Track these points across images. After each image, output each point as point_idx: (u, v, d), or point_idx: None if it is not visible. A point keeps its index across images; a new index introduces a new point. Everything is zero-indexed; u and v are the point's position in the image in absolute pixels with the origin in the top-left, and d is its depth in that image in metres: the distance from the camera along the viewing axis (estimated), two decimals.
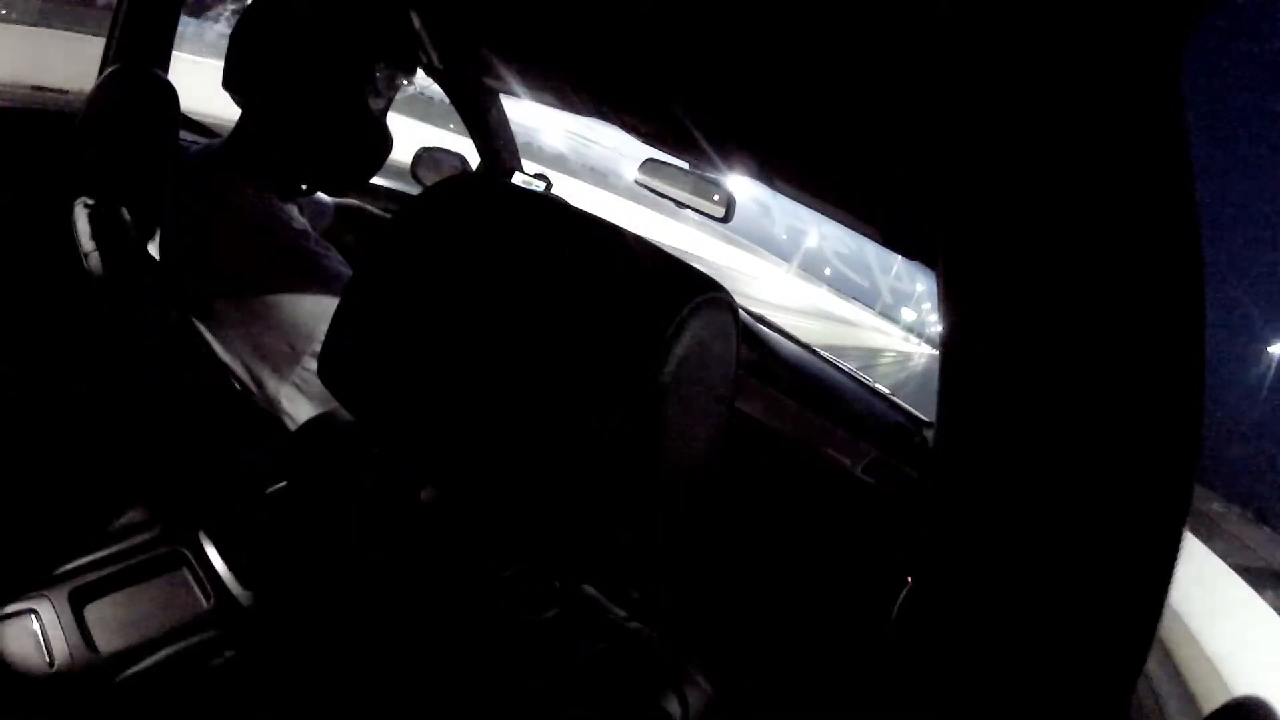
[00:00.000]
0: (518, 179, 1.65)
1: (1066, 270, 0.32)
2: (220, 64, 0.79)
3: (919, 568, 0.38)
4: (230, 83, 0.78)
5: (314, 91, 0.77)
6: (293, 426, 0.72)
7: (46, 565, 0.56)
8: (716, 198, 1.23)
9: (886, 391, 1.35)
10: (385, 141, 0.85)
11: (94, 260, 0.79)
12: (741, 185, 1.24)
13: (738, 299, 0.38)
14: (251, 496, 0.61)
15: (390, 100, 0.85)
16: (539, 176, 1.68)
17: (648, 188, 1.29)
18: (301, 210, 0.87)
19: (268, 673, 0.41)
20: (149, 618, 0.48)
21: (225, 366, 0.75)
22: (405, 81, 0.86)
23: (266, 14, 0.76)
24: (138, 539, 0.58)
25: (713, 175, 1.22)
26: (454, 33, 1.12)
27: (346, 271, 0.77)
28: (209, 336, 0.75)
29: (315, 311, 0.74)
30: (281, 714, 0.39)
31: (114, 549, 0.56)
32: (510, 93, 1.40)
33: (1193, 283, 0.29)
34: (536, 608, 0.40)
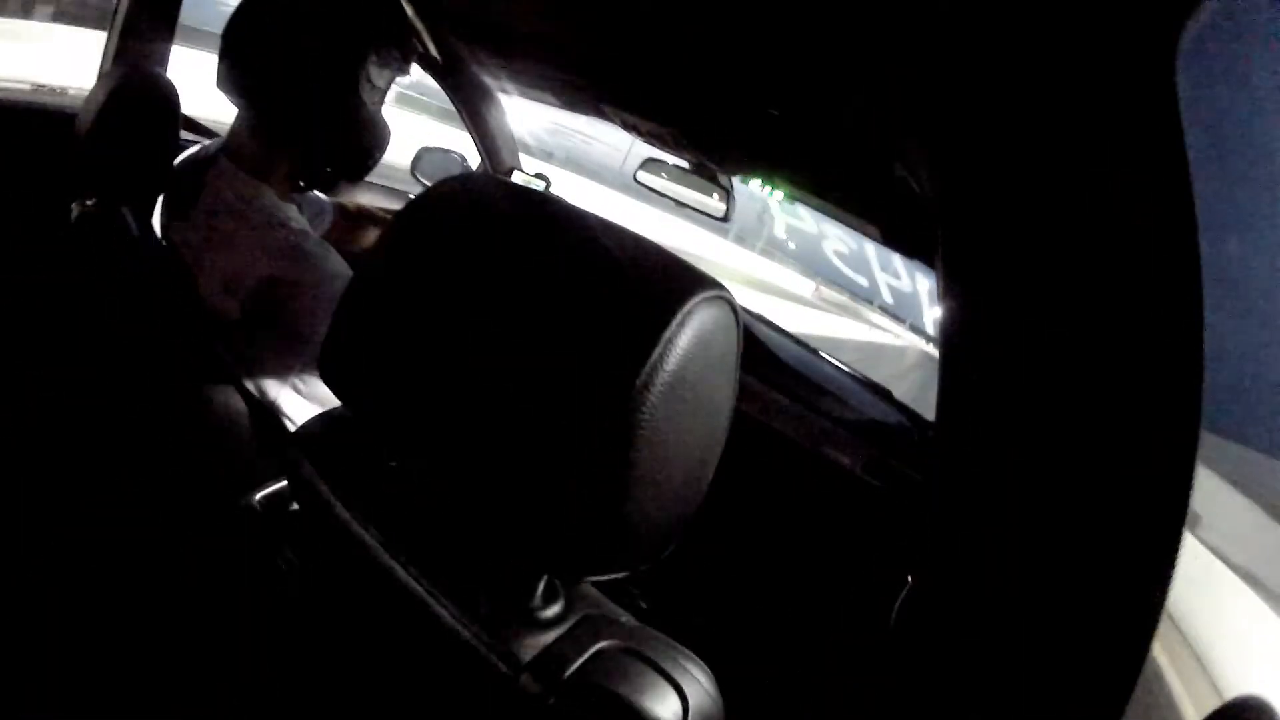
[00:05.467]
0: (517, 178, 1.65)
1: (1066, 269, 0.32)
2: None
3: (919, 567, 0.38)
4: (224, 82, 0.78)
5: (307, 87, 0.77)
6: (293, 426, 0.72)
7: (48, 561, 0.56)
8: (716, 197, 1.23)
9: (888, 391, 1.35)
10: (382, 135, 0.85)
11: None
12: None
13: None
14: (253, 495, 0.61)
15: (385, 93, 0.85)
16: (538, 175, 1.68)
17: (648, 187, 1.30)
18: (301, 210, 0.87)
19: (265, 671, 0.41)
20: (146, 612, 0.48)
21: (225, 366, 0.75)
22: (400, 74, 0.86)
23: (256, 11, 0.76)
24: (137, 536, 0.58)
25: (713, 174, 1.22)
26: (451, 28, 1.12)
27: (346, 272, 0.77)
28: (209, 336, 0.75)
29: (315, 312, 0.74)
30: (280, 713, 0.39)
31: (111, 546, 0.56)
32: (510, 91, 1.41)
33: (1191, 281, 0.29)
34: (535, 607, 0.40)
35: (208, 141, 0.87)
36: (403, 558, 0.41)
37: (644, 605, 1.06)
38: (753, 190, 1.20)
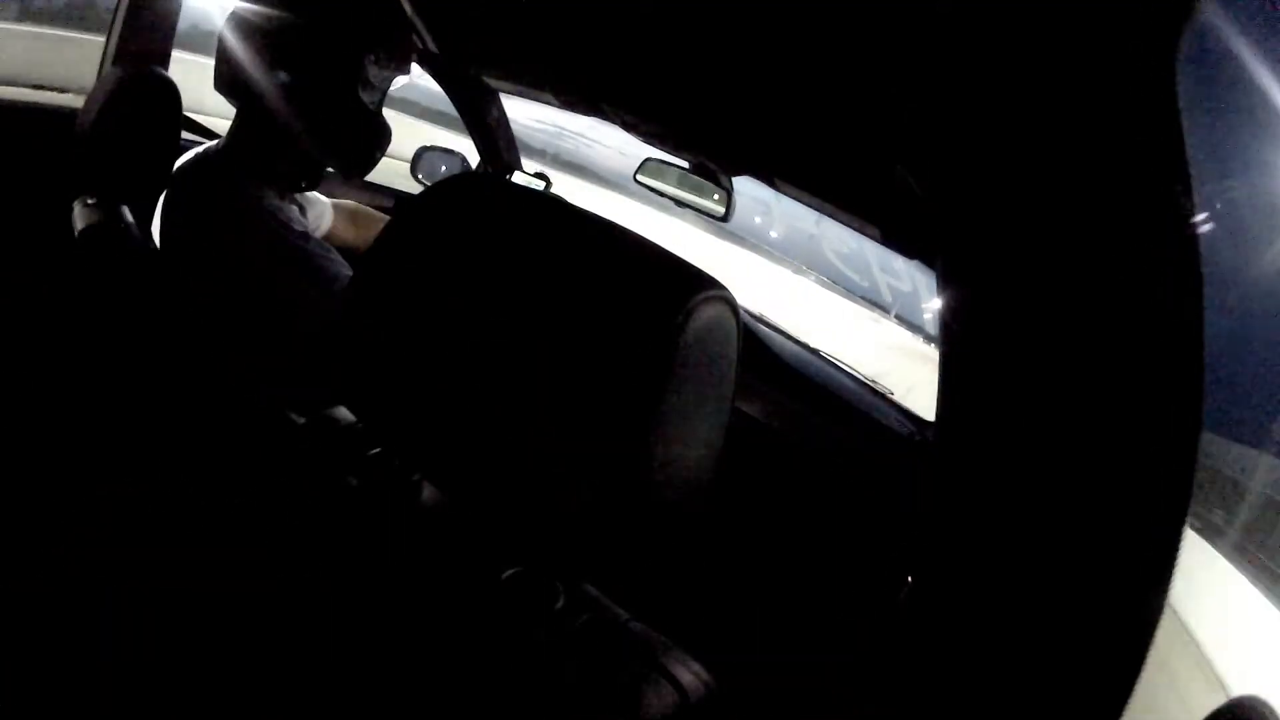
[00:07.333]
0: (518, 178, 1.65)
1: (1066, 268, 0.32)
2: None
3: (919, 567, 0.38)
4: (222, 83, 0.78)
5: (306, 88, 0.77)
6: (293, 427, 0.72)
7: (46, 564, 0.56)
8: (716, 197, 1.23)
9: (887, 391, 1.35)
10: (382, 134, 0.85)
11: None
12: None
13: None
14: (252, 495, 0.61)
15: (384, 93, 0.85)
16: (539, 175, 1.68)
17: (648, 187, 1.29)
18: (301, 211, 0.87)
19: (265, 673, 0.41)
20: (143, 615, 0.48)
21: (225, 367, 0.75)
22: (399, 72, 0.86)
23: (253, 13, 0.76)
24: (134, 536, 0.58)
25: (713, 174, 1.22)
26: (450, 27, 1.11)
27: (347, 272, 0.77)
28: (209, 337, 0.75)
29: (315, 312, 0.74)
30: (280, 715, 0.39)
31: (110, 548, 0.56)
32: (509, 91, 1.41)
33: (1191, 279, 0.29)
34: (536, 607, 0.40)
35: (209, 142, 0.87)
36: (404, 558, 0.41)
37: (652, 606, 1.06)
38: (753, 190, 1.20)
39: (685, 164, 1.23)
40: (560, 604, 0.41)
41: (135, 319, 0.77)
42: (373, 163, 0.87)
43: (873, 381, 1.37)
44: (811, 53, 0.60)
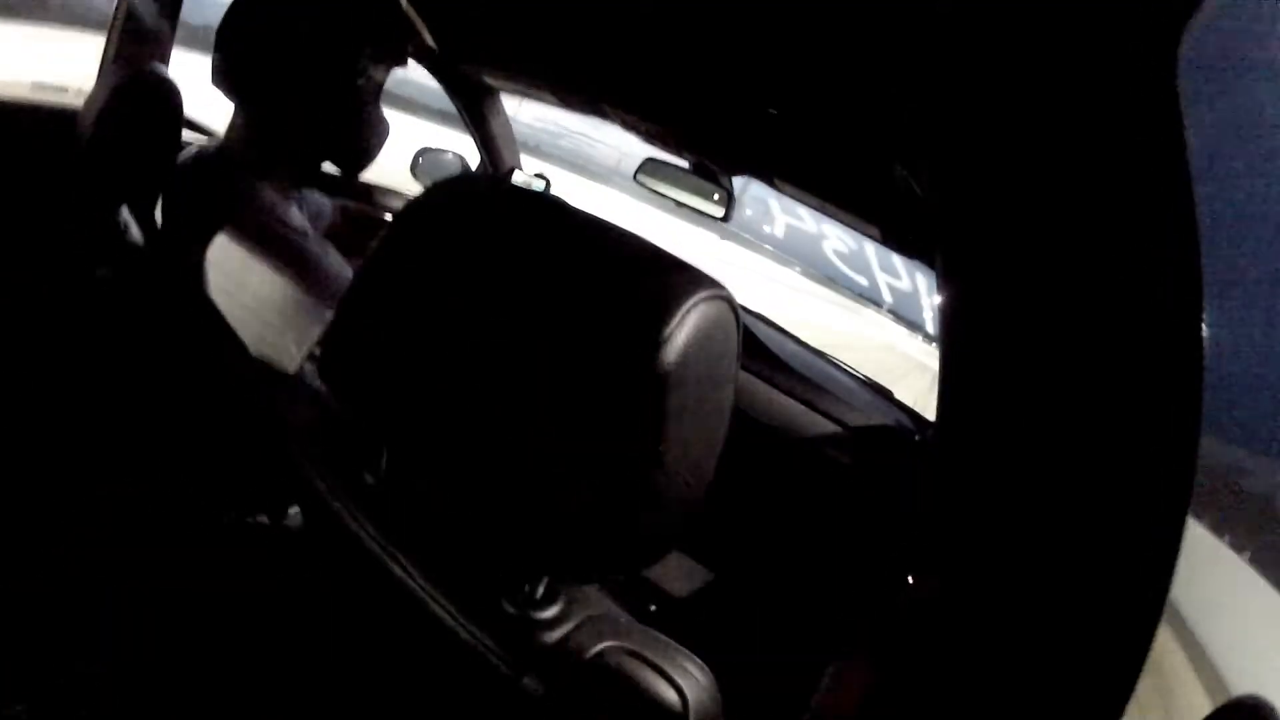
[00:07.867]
0: (517, 178, 1.65)
1: (1065, 267, 0.32)
2: None
3: (919, 567, 0.38)
4: (219, 79, 0.78)
5: (302, 83, 0.77)
6: (291, 427, 0.72)
7: (47, 569, 0.56)
8: (716, 197, 1.23)
9: (888, 390, 1.35)
10: (380, 129, 0.85)
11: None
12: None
13: None
14: (249, 495, 0.61)
15: (380, 87, 0.85)
16: (538, 176, 1.68)
17: (648, 187, 1.30)
18: (300, 209, 0.87)
19: (264, 673, 0.41)
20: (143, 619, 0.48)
21: (223, 367, 0.75)
22: (395, 66, 0.86)
23: (250, 7, 0.76)
24: (134, 536, 0.58)
25: (713, 174, 1.22)
26: (449, 23, 1.11)
27: (346, 272, 0.77)
28: (207, 337, 0.75)
29: (315, 312, 0.74)
30: (278, 712, 0.40)
31: (111, 550, 0.56)
32: (509, 89, 1.40)
33: (1190, 277, 0.29)
34: (536, 607, 0.40)
35: (207, 141, 0.87)
36: (402, 557, 0.41)
37: (653, 608, 1.06)
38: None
39: (685, 164, 1.23)
40: (559, 604, 0.41)
41: (135, 319, 0.77)
42: (370, 159, 0.87)
43: (873, 380, 1.37)
44: (811, 52, 0.60)
